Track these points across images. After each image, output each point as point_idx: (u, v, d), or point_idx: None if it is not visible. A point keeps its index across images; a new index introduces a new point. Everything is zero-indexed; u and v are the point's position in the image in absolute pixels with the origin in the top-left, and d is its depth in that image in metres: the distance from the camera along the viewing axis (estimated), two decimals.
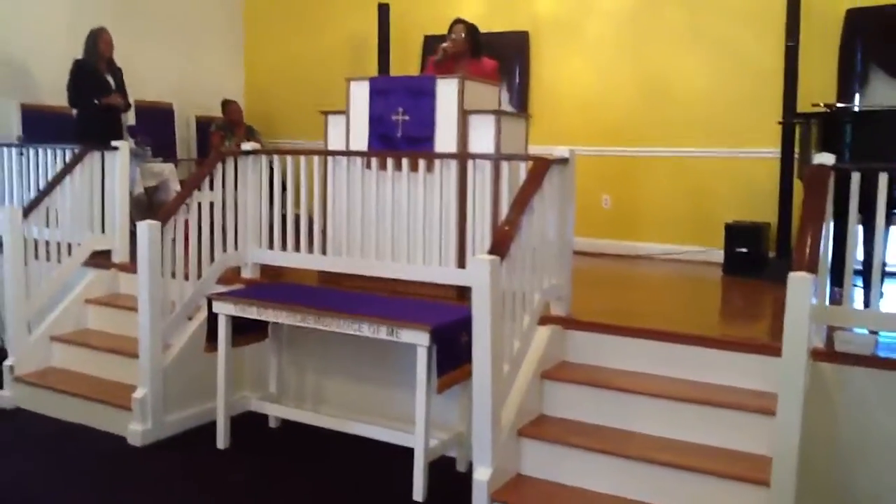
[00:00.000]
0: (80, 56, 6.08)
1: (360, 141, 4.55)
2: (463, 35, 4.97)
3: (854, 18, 5.73)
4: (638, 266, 6.23)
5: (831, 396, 3.19)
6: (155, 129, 7.35)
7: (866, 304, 3.29)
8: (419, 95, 4.34)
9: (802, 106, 5.38)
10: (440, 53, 4.92)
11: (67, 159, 5.31)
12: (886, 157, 3.52)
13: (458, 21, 5.08)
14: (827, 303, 3.26)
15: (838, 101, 5.52)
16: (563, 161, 3.72)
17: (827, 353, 3.21)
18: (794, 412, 2.62)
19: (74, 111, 6.21)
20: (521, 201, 3.38)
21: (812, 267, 2.67)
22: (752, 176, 6.07)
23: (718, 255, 5.81)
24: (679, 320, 4.08)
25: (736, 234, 5.66)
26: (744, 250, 5.56)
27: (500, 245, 3.21)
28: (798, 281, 2.60)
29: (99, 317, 5.13)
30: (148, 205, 6.58)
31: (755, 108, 6.02)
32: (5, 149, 5.80)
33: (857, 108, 4.41)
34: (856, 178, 3.15)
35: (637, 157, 6.67)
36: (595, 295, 4.85)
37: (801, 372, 2.60)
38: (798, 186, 5.28)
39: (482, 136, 4.24)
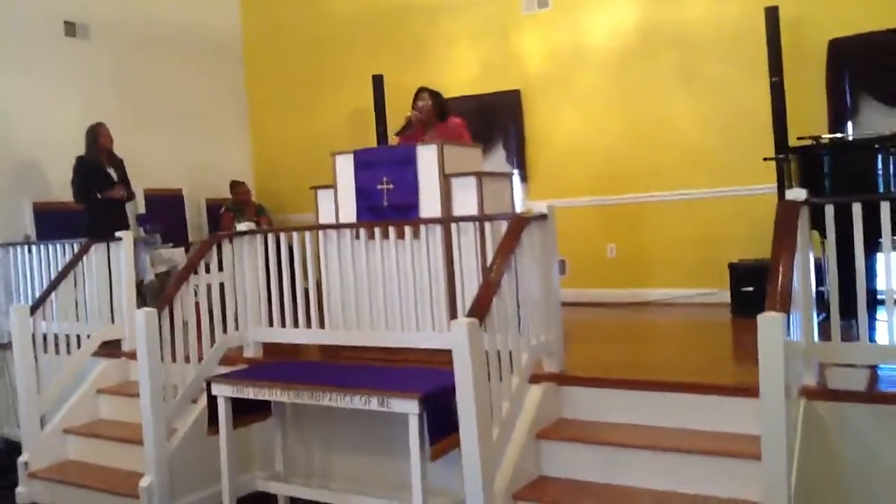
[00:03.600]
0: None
1: (349, 212, 4.63)
2: (430, 102, 5.06)
3: (838, 48, 5.75)
4: (646, 314, 6.17)
5: (829, 436, 3.11)
6: (166, 215, 7.52)
7: (856, 336, 3.21)
8: (402, 164, 4.42)
9: (795, 139, 5.37)
10: (406, 122, 5.01)
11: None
12: (863, 187, 3.48)
13: (422, 89, 5.19)
14: (816, 338, 3.20)
15: (830, 131, 5.50)
16: (542, 217, 3.74)
17: (820, 392, 3.13)
18: (779, 455, 2.54)
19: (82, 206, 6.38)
20: (499, 260, 3.39)
21: (784, 305, 2.63)
22: (753, 213, 6.00)
23: (726, 296, 5.73)
24: (683, 368, 4.03)
25: (741, 273, 5.58)
26: (750, 289, 5.46)
27: (479, 306, 3.21)
28: (768, 321, 2.55)
29: (111, 406, 5.19)
30: (160, 290, 6.68)
31: (750, 146, 6.01)
32: (18, 248, 5.98)
33: (828, 140, 4.35)
34: (829, 211, 3.12)
35: (639, 204, 6.68)
36: (601, 347, 4.82)
37: (781, 414, 2.54)
38: None
39: (465, 198, 4.30)
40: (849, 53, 5.70)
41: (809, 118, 5.69)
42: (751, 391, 3.28)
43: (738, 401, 3.34)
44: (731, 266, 5.65)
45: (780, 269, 2.73)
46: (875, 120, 5.61)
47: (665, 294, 6.41)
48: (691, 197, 6.41)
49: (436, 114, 5.05)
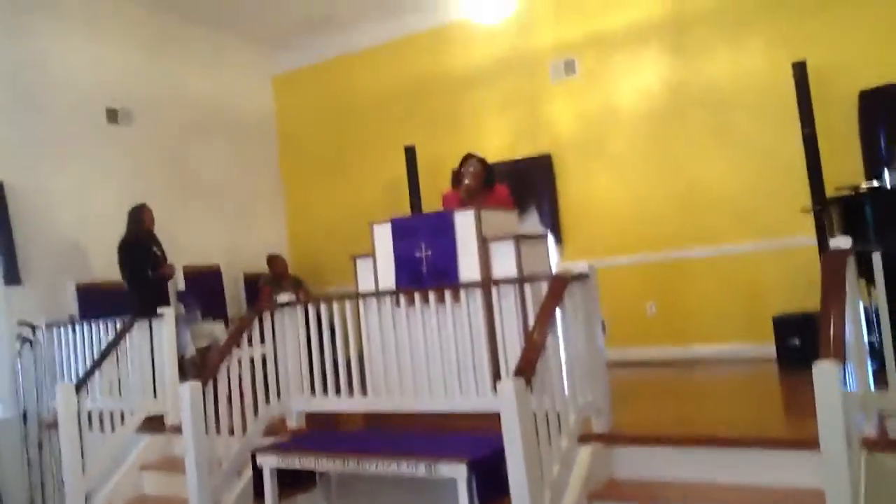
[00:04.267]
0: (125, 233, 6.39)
1: (388, 280, 4.65)
2: (480, 168, 5.13)
3: (868, 99, 5.77)
4: (690, 370, 6.07)
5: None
6: (204, 290, 7.61)
7: None
8: (439, 231, 4.46)
9: (832, 190, 5.33)
10: (464, 193, 5.04)
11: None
12: None
13: (469, 156, 5.25)
14: (872, 387, 3.12)
15: (867, 180, 5.45)
16: (584, 276, 3.74)
17: (881, 442, 3.04)
18: None
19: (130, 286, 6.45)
20: (542, 320, 3.38)
21: (839, 354, 2.58)
22: (794, 265, 5.95)
23: (770, 350, 5.62)
24: (735, 422, 3.96)
25: (785, 326, 5.48)
26: (796, 342, 5.36)
27: (525, 367, 3.19)
28: (824, 370, 2.50)
29: (155, 482, 5.19)
30: (201, 365, 6.72)
31: (784, 198, 5.99)
32: (62, 327, 6.09)
33: (867, 189, 4.34)
34: (877, 259, 3.09)
35: (676, 261, 6.64)
36: (648, 405, 4.74)
37: (844, 464, 2.46)
38: None
39: (504, 261, 4.31)
40: (880, 104, 5.71)
41: (843, 167, 5.67)
42: (809, 443, 3.21)
43: (795, 454, 3.26)
44: (776, 319, 5.56)
45: (832, 318, 2.69)
46: None
47: (707, 350, 6.31)
48: (730, 251, 6.37)
49: (483, 180, 5.10)
